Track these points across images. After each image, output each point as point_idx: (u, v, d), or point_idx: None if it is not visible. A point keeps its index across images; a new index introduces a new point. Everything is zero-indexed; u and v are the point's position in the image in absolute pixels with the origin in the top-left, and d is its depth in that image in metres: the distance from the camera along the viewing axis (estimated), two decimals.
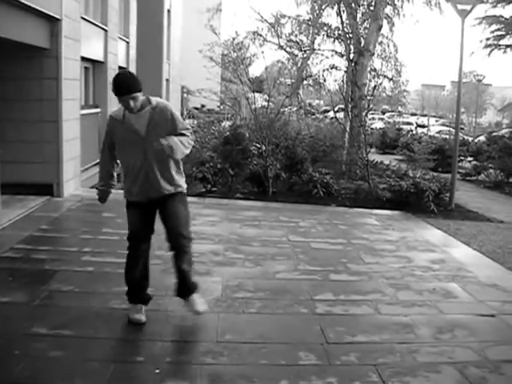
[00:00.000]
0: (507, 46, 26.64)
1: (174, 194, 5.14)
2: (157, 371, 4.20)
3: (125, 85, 4.72)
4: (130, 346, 4.61)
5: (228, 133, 14.89)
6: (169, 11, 27.62)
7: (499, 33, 25.74)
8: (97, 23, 13.39)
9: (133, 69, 17.96)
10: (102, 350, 4.50)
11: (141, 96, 4.81)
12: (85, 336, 4.74)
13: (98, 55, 13.56)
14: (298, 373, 4.36)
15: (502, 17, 24.84)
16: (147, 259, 5.31)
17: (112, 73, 14.48)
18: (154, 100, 4.96)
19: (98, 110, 13.79)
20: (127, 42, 17.19)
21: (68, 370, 4.18)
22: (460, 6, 13.28)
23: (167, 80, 27.24)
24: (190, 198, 11.31)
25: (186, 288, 5.21)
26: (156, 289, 5.90)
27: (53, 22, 9.90)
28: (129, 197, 5.11)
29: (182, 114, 34.78)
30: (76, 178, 11.24)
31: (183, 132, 5.06)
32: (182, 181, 5.24)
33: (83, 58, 11.98)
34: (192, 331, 5.02)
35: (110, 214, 9.46)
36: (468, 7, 13.28)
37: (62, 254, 7.00)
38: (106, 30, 13.98)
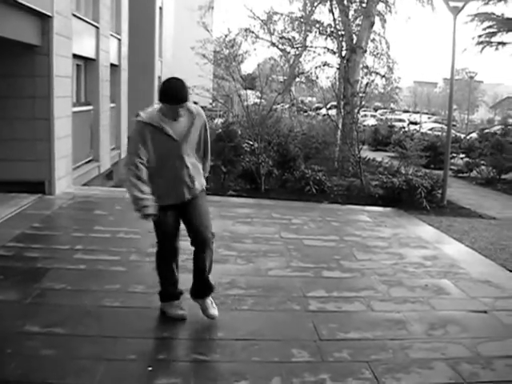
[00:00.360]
0: (499, 43, 26.70)
1: (198, 196, 5.18)
2: (149, 369, 4.20)
3: (180, 95, 4.67)
4: (121, 343, 4.59)
5: (220, 130, 14.87)
6: (161, 8, 27.56)
7: (491, 30, 25.79)
8: (88, 20, 13.33)
9: (125, 66, 17.91)
10: (94, 348, 4.48)
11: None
12: (77, 334, 4.72)
13: (89, 52, 13.50)
14: (290, 370, 4.36)
15: (493, 14, 24.89)
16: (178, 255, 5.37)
17: (104, 70, 14.45)
18: (192, 107, 4.95)
19: (90, 107, 13.73)
20: (119, 39, 17.12)
21: (60, 368, 4.16)
22: (452, 3, 13.29)
23: (159, 77, 27.16)
24: None
25: (206, 287, 5.21)
26: (147, 286, 5.91)
27: (44, 19, 9.86)
28: (161, 202, 4.96)
29: None
30: (68, 176, 11.21)
31: (206, 151, 5.26)
32: (203, 179, 5.29)
33: (75, 56, 11.93)
34: (184, 328, 5.00)
35: (102, 212, 9.48)
36: (460, 4, 13.30)
37: (54, 252, 6.97)
38: (97, 27, 13.92)
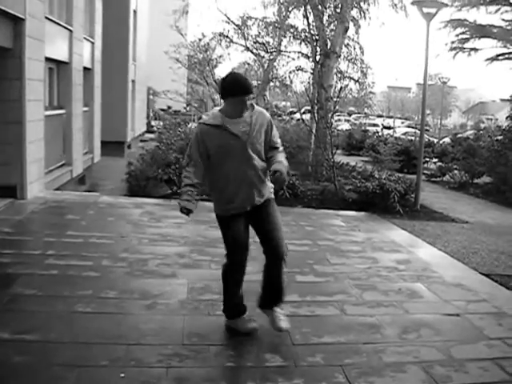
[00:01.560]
0: (471, 49, 27.04)
1: (269, 200, 5.05)
2: (122, 375, 4.16)
3: (247, 84, 4.64)
4: (94, 349, 4.54)
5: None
6: (135, 12, 27.40)
7: (464, 36, 26.12)
8: (61, 23, 13.23)
9: (98, 70, 17.80)
10: (66, 355, 4.42)
11: None
12: (49, 340, 4.66)
13: (62, 56, 13.39)
14: (264, 375, 4.35)
15: (466, 20, 25.21)
16: None
17: (77, 73, 14.34)
18: (254, 105, 4.87)
19: (62, 111, 13.63)
20: (92, 43, 17.02)
21: (32, 375, 4.11)
22: (425, 10, 13.41)
23: (133, 81, 27.03)
24: (155, 200, 11.31)
25: (277, 298, 5.12)
26: (120, 291, 5.88)
27: (16, 22, 9.76)
28: (228, 210, 4.89)
29: (147, 116, 34.62)
30: (40, 180, 11.10)
31: (277, 146, 4.99)
32: (270, 183, 5.10)
33: (47, 59, 11.83)
34: (157, 334, 4.96)
35: (75, 217, 9.39)
36: (433, 10, 13.42)
37: (25, 258, 6.89)
38: (70, 31, 13.82)
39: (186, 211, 4.92)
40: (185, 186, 4.91)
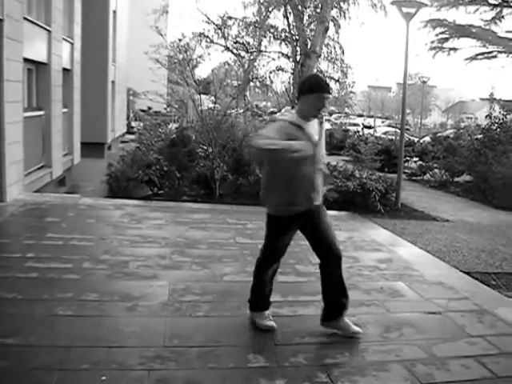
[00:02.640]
0: (451, 49, 27.16)
1: (321, 206, 5.17)
2: (103, 378, 4.12)
3: (327, 84, 4.84)
4: (74, 353, 4.50)
5: (174, 135, 14.78)
6: (114, 12, 27.28)
7: (443, 36, 26.24)
8: (40, 24, 13.12)
9: (77, 71, 17.69)
10: (47, 358, 4.38)
11: None
12: (29, 344, 4.61)
13: (41, 56, 13.29)
14: (246, 375, 4.34)
15: (446, 20, 25.35)
16: None
17: (56, 74, 14.23)
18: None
19: (41, 112, 13.52)
20: (72, 44, 16.92)
21: (12, 379, 4.06)
22: (405, 9, 13.49)
23: (113, 82, 26.90)
24: (136, 201, 11.25)
25: (344, 302, 5.17)
26: (100, 294, 5.84)
27: None
28: (289, 210, 4.96)
29: (128, 117, 34.47)
30: (19, 182, 11.00)
31: None
32: None
33: (26, 60, 11.72)
34: (139, 336, 4.92)
35: (54, 219, 9.32)
36: (412, 10, 13.50)
37: (4, 261, 6.81)
38: (49, 31, 13.72)
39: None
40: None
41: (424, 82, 54.54)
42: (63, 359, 4.39)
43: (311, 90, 4.75)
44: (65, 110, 16.00)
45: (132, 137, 27.69)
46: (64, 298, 5.66)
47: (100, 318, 5.28)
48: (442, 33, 26.11)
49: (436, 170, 20.90)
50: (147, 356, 4.53)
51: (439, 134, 30.58)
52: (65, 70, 15.78)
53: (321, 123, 5.01)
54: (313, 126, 4.89)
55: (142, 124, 24.13)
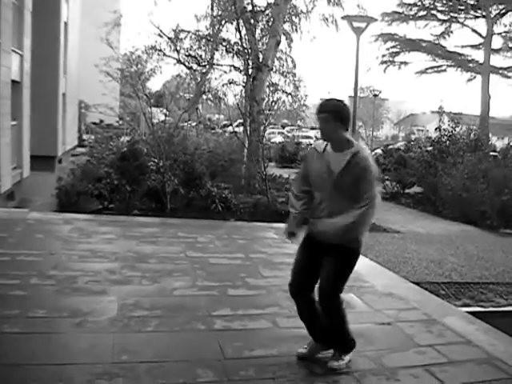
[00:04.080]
0: (401, 63, 27.69)
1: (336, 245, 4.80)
2: None
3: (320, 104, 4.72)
4: (22, 371, 4.39)
5: (125, 148, 14.68)
6: (66, 24, 26.99)
7: (394, 50, 26.75)
8: None
9: (27, 83, 17.44)
10: None
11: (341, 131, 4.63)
12: None
13: None
14: None
15: (396, 35, 25.85)
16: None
17: (4, 86, 14.00)
18: (357, 145, 4.67)
19: None
20: (21, 55, 16.68)
21: None
22: (355, 24, 13.71)
23: (64, 94, 26.58)
24: (86, 215, 11.11)
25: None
26: (49, 310, 5.74)
27: None
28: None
29: (79, 130, 34.10)
30: None
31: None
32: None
33: None
34: (87, 353, 4.84)
35: (1, 234, 9.13)
36: (363, 25, 13.71)
37: None
38: None
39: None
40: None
41: (375, 96, 55.15)
42: (10, 377, 4.29)
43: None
44: (14, 122, 15.75)
45: (83, 150, 27.40)
46: (10, 315, 5.54)
47: (48, 335, 5.18)
48: (393, 47, 26.64)
49: (387, 182, 21.17)
50: (95, 373, 4.46)
51: (390, 147, 31.04)
52: (14, 82, 15.54)
53: (354, 155, 4.59)
54: (339, 157, 4.62)
55: (93, 137, 23.94)
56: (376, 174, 4.62)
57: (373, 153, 31.05)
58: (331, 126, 4.57)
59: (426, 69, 32.04)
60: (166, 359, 4.80)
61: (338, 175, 4.56)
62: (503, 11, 36.05)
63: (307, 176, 4.89)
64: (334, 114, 4.55)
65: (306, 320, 5.04)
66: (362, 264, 8.93)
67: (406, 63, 28.78)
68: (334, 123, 4.55)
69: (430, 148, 20.88)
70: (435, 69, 34.98)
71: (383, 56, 28.48)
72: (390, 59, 28.79)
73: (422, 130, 51.58)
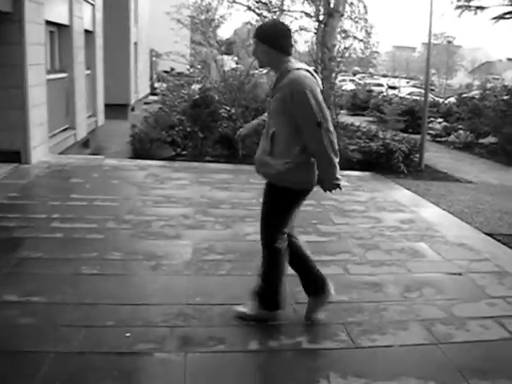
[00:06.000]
0: (477, 8, 26.64)
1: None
2: (127, 335, 4.22)
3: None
4: (99, 310, 4.60)
5: (197, 96, 14.77)
6: None
7: None
8: None
9: (99, 32, 17.65)
10: (72, 316, 4.49)
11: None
12: (55, 302, 4.72)
13: (63, 19, 13.26)
14: (267, 333, 4.41)
15: None
16: None
17: (78, 36, 14.22)
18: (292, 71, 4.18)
19: (64, 74, 13.55)
20: (93, 5, 16.82)
21: (39, 335, 4.17)
22: None
23: (135, 43, 26.84)
24: (159, 162, 11.30)
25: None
26: (125, 253, 5.94)
27: None
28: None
29: (151, 78, 34.39)
30: (44, 145, 11.10)
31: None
32: None
33: (48, 22, 11.73)
34: (162, 294, 5.01)
35: (78, 180, 9.43)
36: None
37: (30, 221, 6.94)
38: None
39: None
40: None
41: (449, 42, 53.80)
42: (89, 316, 4.50)
43: None
44: (88, 71, 16.01)
45: (155, 98, 27.67)
46: (89, 258, 5.77)
47: (124, 277, 5.39)
48: None
49: (461, 132, 20.70)
50: (170, 313, 4.62)
51: (464, 95, 30.19)
52: (87, 31, 15.74)
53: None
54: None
55: (164, 85, 24.11)
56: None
57: (446, 101, 30.33)
58: (259, 50, 4.26)
59: (504, 14, 30.69)
60: (238, 302, 4.89)
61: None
62: None
63: None
64: (259, 38, 4.24)
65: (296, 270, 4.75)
66: (434, 214, 8.92)
67: (482, 8, 27.63)
68: (261, 46, 4.22)
69: (506, 97, 20.20)
70: None
71: (458, 0, 27.42)
72: (465, 4, 27.67)
73: (498, 79, 50.02)
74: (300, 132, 4.13)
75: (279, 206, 4.42)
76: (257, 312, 4.63)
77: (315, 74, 4.28)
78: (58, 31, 13.35)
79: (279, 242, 4.46)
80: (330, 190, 4.35)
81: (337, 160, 4.17)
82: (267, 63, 4.36)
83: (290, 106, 4.07)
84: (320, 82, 4.33)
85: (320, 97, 4.09)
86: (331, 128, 4.10)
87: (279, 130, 4.20)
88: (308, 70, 4.21)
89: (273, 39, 4.18)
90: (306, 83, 4.07)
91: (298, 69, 4.15)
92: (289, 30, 4.35)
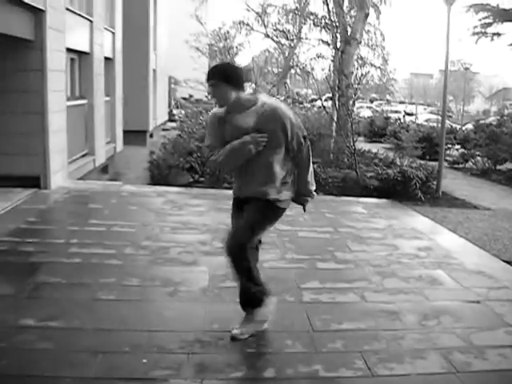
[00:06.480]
0: (494, 34, 26.66)
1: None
2: (144, 361, 4.22)
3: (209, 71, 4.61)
4: (116, 336, 4.61)
5: None
6: (155, 1, 27.45)
7: (486, 21, 25.77)
8: (82, 14, 13.28)
9: (119, 59, 17.87)
10: (89, 341, 4.49)
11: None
12: (72, 327, 4.74)
13: (83, 46, 13.47)
14: (284, 361, 4.38)
15: (489, 5, 24.86)
16: None
17: (98, 63, 14.41)
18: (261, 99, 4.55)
19: (84, 101, 13.72)
20: (113, 33, 17.08)
21: (56, 360, 4.18)
22: None
23: (154, 70, 27.11)
24: (177, 188, 11.35)
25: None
26: (142, 279, 5.97)
27: (37, 14, 9.84)
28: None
29: (169, 105, 34.71)
30: (63, 170, 11.21)
31: None
32: None
33: (69, 49, 11.91)
34: (179, 321, 5.01)
35: (97, 206, 9.51)
36: None
37: (49, 246, 6.99)
38: (91, 21, 13.88)
39: None
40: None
41: (466, 69, 53.73)
42: (105, 342, 4.50)
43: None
44: (107, 98, 16.20)
45: (173, 124, 27.91)
46: (106, 283, 5.80)
47: (141, 303, 5.40)
48: (486, 17, 25.65)
49: (478, 158, 20.63)
50: (187, 340, 4.62)
51: (482, 121, 30.14)
52: (107, 58, 15.95)
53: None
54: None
55: (183, 112, 24.32)
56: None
57: (463, 127, 30.26)
58: (222, 90, 4.43)
59: None
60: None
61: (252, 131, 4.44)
62: None
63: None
64: (220, 77, 4.40)
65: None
66: (452, 241, 8.87)
67: (498, 34, 27.62)
68: (224, 87, 4.40)
69: None
70: None
71: (475, 27, 27.42)
72: (482, 30, 27.68)
73: None
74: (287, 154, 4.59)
75: (271, 220, 4.83)
76: (254, 320, 4.74)
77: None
78: (79, 58, 13.55)
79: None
80: (307, 202, 4.91)
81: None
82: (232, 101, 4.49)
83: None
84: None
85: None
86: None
87: (273, 157, 4.53)
88: None
89: (235, 79, 4.45)
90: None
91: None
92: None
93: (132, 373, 4.09)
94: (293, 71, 24.74)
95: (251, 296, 4.75)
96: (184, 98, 42.02)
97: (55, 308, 5.10)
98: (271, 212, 4.73)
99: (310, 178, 4.79)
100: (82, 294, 5.47)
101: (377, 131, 30.15)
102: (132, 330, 4.75)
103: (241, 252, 4.50)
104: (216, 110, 4.72)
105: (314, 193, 4.89)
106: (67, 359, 4.21)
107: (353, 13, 20.48)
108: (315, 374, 4.23)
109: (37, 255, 6.57)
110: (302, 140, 4.57)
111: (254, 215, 4.65)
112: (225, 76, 4.41)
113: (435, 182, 13.49)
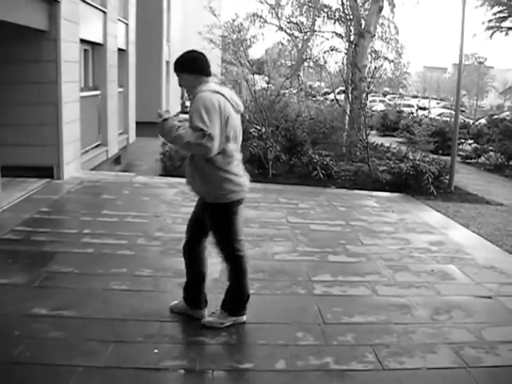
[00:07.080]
0: (509, 29, 26.53)
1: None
2: (155, 351, 4.25)
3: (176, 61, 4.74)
4: (128, 326, 4.64)
5: None
6: None
7: (501, 15, 25.66)
8: (96, 5, 13.28)
9: (132, 51, 17.87)
10: (101, 330, 4.53)
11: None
12: (84, 316, 4.77)
13: (97, 37, 13.48)
14: (295, 353, 4.40)
15: None
16: None
17: (111, 55, 14.42)
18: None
19: (97, 92, 13.75)
20: (126, 24, 17.08)
21: (68, 349, 4.22)
22: None
23: (167, 62, 27.11)
24: None
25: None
26: (154, 270, 5.99)
27: (51, 4, 9.86)
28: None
29: (182, 97, 34.68)
30: (76, 161, 11.25)
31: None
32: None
33: (82, 40, 11.92)
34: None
35: (110, 196, 9.52)
36: None
37: (61, 236, 7.04)
38: (105, 12, 13.89)
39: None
40: None
41: (480, 63, 53.26)
42: (117, 331, 4.53)
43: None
44: (120, 89, 16.22)
45: (186, 116, 27.90)
46: (119, 273, 5.83)
47: (153, 293, 5.43)
48: (500, 11, 25.53)
49: (491, 153, 20.50)
50: (197, 331, 4.64)
51: (495, 116, 29.96)
52: (120, 50, 15.96)
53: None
54: None
55: None
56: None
57: (476, 122, 30.10)
58: (186, 80, 4.66)
59: None
60: (266, 321, 4.93)
61: None
62: None
63: None
64: (183, 68, 4.63)
65: None
66: (464, 236, 8.84)
67: None
68: (187, 76, 4.62)
69: None
70: None
71: (489, 21, 27.30)
72: (497, 25, 27.54)
73: None
74: None
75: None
76: (225, 321, 4.77)
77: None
78: (92, 49, 13.57)
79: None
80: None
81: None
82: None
83: None
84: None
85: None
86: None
87: None
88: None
89: (196, 68, 4.64)
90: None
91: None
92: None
93: (143, 363, 4.11)
94: (306, 64, 24.66)
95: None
96: None
97: (67, 297, 5.14)
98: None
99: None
100: (95, 284, 5.50)
101: (389, 125, 30.03)
102: (143, 320, 4.78)
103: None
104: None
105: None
106: (79, 348, 4.24)
107: (367, 6, 20.41)
108: (326, 366, 4.24)
109: (50, 245, 6.61)
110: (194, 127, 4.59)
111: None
112: (187, 66, 4.59)
113: (448, 177, 13.44)
